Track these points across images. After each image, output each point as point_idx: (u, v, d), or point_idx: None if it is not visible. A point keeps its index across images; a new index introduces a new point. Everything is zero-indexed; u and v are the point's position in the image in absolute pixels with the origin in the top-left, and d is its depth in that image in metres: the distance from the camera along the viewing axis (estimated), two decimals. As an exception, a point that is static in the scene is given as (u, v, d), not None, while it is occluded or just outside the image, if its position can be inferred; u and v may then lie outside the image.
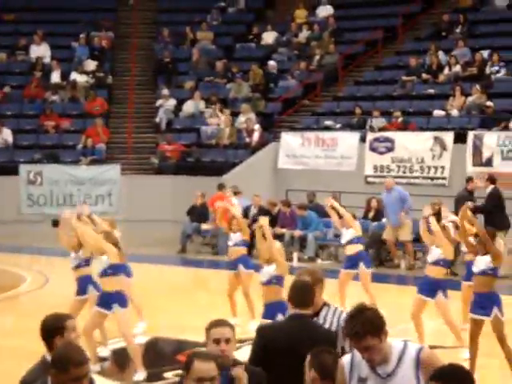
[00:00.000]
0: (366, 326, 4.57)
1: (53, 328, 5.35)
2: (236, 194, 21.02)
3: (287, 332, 5.73)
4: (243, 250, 13.46)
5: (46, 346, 5.34)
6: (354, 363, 4.80)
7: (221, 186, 21.32)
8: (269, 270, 10.39)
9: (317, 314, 6.06)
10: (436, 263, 11.35)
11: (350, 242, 13.97)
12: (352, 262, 13.86)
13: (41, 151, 25.57)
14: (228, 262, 13.78)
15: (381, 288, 15.29)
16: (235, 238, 13.50)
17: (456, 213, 17.68)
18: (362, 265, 13.73)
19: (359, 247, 13.96)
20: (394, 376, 4.69)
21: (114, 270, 10.43)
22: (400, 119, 22.68)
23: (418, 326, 11.42)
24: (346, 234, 14.03)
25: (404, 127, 22.71)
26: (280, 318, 9.36)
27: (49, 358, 5.22)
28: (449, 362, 4.29)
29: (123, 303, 10.42)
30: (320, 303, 6.10)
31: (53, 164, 25.11)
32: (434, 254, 11.39)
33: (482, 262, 10.19)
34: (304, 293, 5.85)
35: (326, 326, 6.02)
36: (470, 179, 18.66)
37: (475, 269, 10.30)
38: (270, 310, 10.05)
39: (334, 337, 5.91)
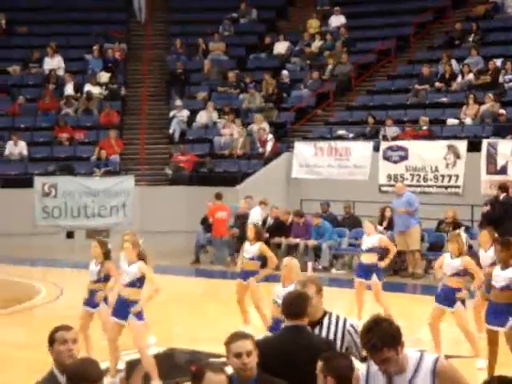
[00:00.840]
0: (383, 338, 4.55)
1: (48, 339, 5.44)
2: (261, 204, 21.16)
3: (281, 345, 5.66)
4: (257, 265, 13.29)
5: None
6: (370, 374, 4.78)
7: (219, 196, 21.39)
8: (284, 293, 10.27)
9: (318, 322, 6.01)
10: (455, 274, 11.30)
11: (369, 250, 13.97)
12: (365, 272, 13.86)
13: (55, 163, 25.64)
14: (240, 271, 13.65)
15: (395, 297, 15.24)
16: (252, 251, 13.30)
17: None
18: (374, 276, 13.73)
19: (375, 258, 13.95)
20: (410, 387, 4.68)
21: (141, 283, 10.52)
22: (425, 127, 22.58)
23: (436, 336, 11.37)
24: (367, 241, 14.04)
25: (417, 135, 22.69)
26: None
27: (55, 370, 5.27)
28: (497, 375, 4.28)
29: (140, 315, 10.44)
30: (321, 312, 6.06)
31: (67, 176, 25.17)
32: (454, 265, 11.33)
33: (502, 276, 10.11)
34: (299, 303, 5.78)
35: (331, 334, 5.97)
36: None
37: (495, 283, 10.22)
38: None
39: (333, 346, 5.85)
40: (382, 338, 4.55)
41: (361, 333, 4.73)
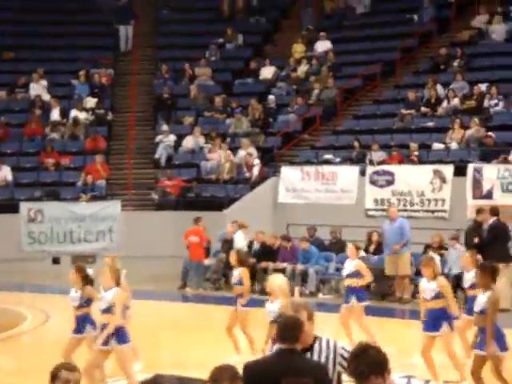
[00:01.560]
0: (370, 365, 4.54)
1: (51, 374, 5.42)
2: (241, 227, 21.15)
3: (274, 369, 5.64)
4: (241, 289, 13.32)
5: None
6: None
7: (197, 220, 21.41)
8: (273, 308, 10.33)
9: (310, 347, 6.01)
10: (434, 297, 11.32)
11: (350, 275, 13.99)
12: (348, 296, 13.94)
13: (41, 189, 25.59)
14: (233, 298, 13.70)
15: (383, 322, 15.22)
16: (235, 276, 13.46)
17: (466, 244, 17.73)
18: (353, 298, 13.78)
19: (356, 281, 13.98)
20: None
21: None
22: (416, 152, 22.65)
23: (430, 365, 11.30)
24: (348, 266, 14.09)
25: (403, 160, 22.78)
26: None
27: None
28: None
29: (122, 339, 10.40)
30: (312, 337, 6.07)
31: (53, 201, 25.11)
32: (431, 288, 11.35)
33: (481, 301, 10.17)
34: (293, 328, 5.79)
35: (322, 359, 5.97)
36: (480, 211, 18.60)
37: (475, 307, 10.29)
38: None
39: (325, 370, 5.84)
40: (369, 365, 4.54)
41: (348, 360, 4.73)
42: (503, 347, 10.03)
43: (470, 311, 11.79)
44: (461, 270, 17.45)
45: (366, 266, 14.51)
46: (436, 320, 11.23)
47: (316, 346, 6.01)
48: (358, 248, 14.73)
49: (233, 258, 13.48)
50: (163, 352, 14.30)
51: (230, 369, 5.21)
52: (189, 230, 21.51)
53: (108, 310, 10.51)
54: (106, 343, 10.38)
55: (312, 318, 6.04)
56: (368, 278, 14.24)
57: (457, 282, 16.83)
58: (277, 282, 10.45)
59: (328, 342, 6.08)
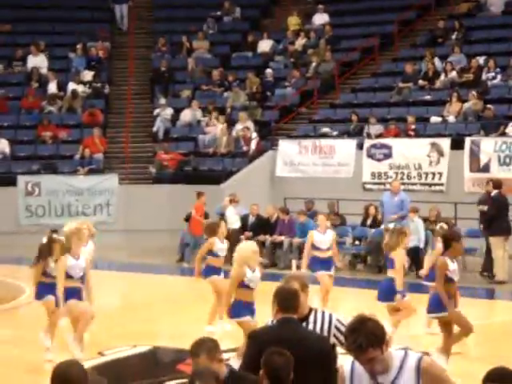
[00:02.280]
0: (368, 338, 4.55)
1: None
2: (232, 201, 21.06)
3: (280, 336, 5.69)
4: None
5: None
6: (355, 373, 4.80)
7: (200, 194, 21.34)
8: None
9: (305, 318, 6.05)
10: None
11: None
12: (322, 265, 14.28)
13: (38, 162, 25.58)
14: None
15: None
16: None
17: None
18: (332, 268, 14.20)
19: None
20: (396, 385, 4.70)
21: None
22: (413, 126, 22.64)
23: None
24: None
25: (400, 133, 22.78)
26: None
27: None
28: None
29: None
30: (307, 308, 6.10)
31: (51, 174, 25.12)
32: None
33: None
34: (291, 298, 5.85)
35: (317, 330, 6.01)
36: (488, 182, 18.61)
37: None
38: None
39: (327, 341, 5.90)
40: (367, 337, 4.56)
41: (345, 333, 4.75)
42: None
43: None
44: (418, 242, 17.82)
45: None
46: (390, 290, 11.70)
47: (311, 317, 6.05)
48: (328, 218, 15.19)
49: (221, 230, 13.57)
50: (161, 325, 14.36)
51: (208, 342, 5.26)
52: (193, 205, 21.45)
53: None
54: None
55: (305, 289, 6.07)
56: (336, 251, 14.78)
57: (413, 254, 17.15)
58: (243, 248, 10.69)
59: (323, 313, 6.11)
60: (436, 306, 10.57)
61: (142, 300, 16.29)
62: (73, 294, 11.03)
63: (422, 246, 18.48)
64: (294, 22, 29.77)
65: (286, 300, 5.85)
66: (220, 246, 13.41)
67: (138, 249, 22.84)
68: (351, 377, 4.80)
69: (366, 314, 4.81)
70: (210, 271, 13.38)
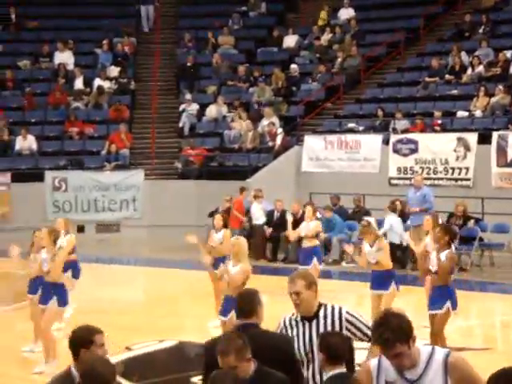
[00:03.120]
0: (395, 333, 4.53)
1: (81, 340, 5.30)
2: (256, 197, 21.05)
3: None
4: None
5: (73, 356, 5.33)
6: (381, 367, 4.78)
7: (242, 189, 21.35)
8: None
9: (315, 315, 6.00)
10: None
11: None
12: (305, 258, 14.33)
13: (65, 157, 25.72)
14: None
15: (416, 291, 15.21)
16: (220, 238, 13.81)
17: None
18: (315, 260, 14.10)
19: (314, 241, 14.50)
20: (422, 381, 4.67)
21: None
22: (440, 121, 22.54)
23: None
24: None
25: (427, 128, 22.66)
26: None
27: (73, 369, 5.25)
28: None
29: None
30: (315, 306, 6.05)
31: (77, 170, 25.26)
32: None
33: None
34: (249, 303, 5.78)
35: (328, 326, 5.95)
36: None
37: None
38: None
39: (290, 341, 5.80)
40: (394, 332, 4.53)
41: (372, 328, 4.72)
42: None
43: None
44: (400, 239, 17.86)
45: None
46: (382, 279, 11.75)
47: (321, 313, 6.00)
48: (314, 210, 15.21)
49: (217, 221, 13.73)
50: (187, 320, 14.41)
51: (238, 340, 5.16)
52: (236, 200, 21.45)
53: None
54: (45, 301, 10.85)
55: (312, 287, 5.99)
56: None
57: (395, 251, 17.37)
58: (242, 243, 10.57)
59: (333, 308, 6.05)
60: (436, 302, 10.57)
61: (168, 295, 16.34)
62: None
63: (399, 241, 18.53)
64: (322, 16, 29.70)
65: (244, 306, 5.78)
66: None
67: (164, 244, 22.89)
68: (378, 372, 4.79)
69: (392, 309, 4.79)
70: None
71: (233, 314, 9.99)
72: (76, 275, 14.09)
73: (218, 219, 13.74)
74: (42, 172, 25.00)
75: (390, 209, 18.78)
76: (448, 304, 10.39)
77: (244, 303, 5.81)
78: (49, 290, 11.03)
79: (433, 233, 11.70)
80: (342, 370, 5.50)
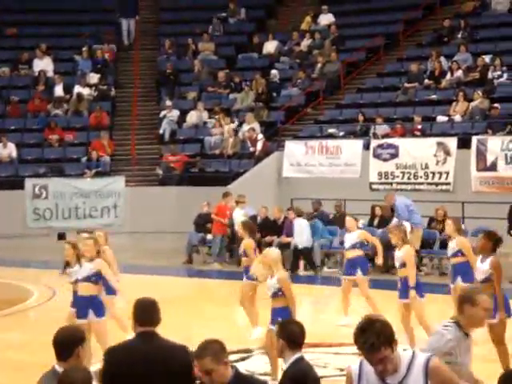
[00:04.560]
0: (380, 337, 4.57)
1: (75, 338, 5.36)
2: (238, 203, 21.02)
3: (138, 351, 5.61)
4: (246, 261, 13.01)
5: (61, 356, 5.33)
6: (363, 372, 4.80)
7: (224, 195, 21.32)
8: (272, 284, 10.18)
9: None
10: (402, 265, 11.56)
11: (352, 246, 14.00)
12: (351, 268, 13.90)
13: (45, 165, 25.64)
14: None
15: (386, 295, 15.26)
16: (241, 247, 13.36)
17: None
18: (359, 271, 13.74)
19: (359, 252, 14.00)
20: (404, 385, 4.70)
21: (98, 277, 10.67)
22: (419, 126, 22.63)
23: (410, 331, 11.52)
24: (349, 239, 14.10)
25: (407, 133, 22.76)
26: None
27: (59, 368, 5.26)
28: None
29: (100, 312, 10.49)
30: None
31: (58, 177, 25.18)
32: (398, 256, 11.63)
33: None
34: (148, 310, 5.82)
35: None
36: None
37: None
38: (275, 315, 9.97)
39: (188, 352, 5.79)
40: (379, 337, 4.57)
41: (355, 334, 4.73)
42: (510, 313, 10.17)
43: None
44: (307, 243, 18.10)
45: (368, 234, 14.66)
46: (404, 287, 11.48)
47: None
48: (356, 219, 14.78)
49: (240, 229, 13.41)
50: (170, 327, 14.33)
51: (214, 344, 5.20)
52: (218, 206, 21.38)
53: (87, 279, 10.59)
54: (84, 316, 10.44)
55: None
56: (377, 242, 14.34)
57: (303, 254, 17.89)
58: (273, 255, 10.33)
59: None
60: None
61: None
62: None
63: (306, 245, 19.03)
64: (307, 20, 29.72)
65: (144, 313, 5.79)
66: None
67: (145, 251, 22.84)
68: (359, 377, 4.81)
69: (373, 315, 4.81)
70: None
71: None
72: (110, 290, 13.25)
73: (240, 228, 13.37)
74: (22, 179, 24.92)
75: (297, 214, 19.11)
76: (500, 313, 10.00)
77: (143, 311, 5.82)
78: (86, 303, 10.63)
79: (455, 236, 12.10)
80: (301, 354, 5.85)
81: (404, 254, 11.55)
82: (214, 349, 5.16)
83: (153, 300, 5.97)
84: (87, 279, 10.67)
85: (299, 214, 19.57)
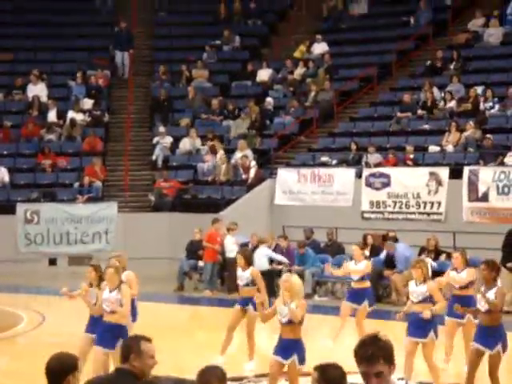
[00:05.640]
0: (381, 350, 4.56)
1: (68, 367, 5.36)
2: (229, 230, 21.04)
3: None
4: (253, 291, 12.72)
5: (53, 383, 5.33)
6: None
7: (215, 221, 21.32)
8: (285, 310, 10.03)
9: None
10: (422, 301, 11.24)
11: (361, 278, 14.12)
12: (357, 297, 13.96)
13: (38, 190, 25.61)
14: (238, 299, 13.45)
15: (379, 324, 15.25)
16: (245, 277, 13.14)
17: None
18: (365, 301, 13.85)
19: (367, 283, 14.12)
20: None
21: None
22: (412, 155, 22.73)
23: (410, 369, 11.32)
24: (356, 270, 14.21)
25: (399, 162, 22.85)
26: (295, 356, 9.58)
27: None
28: None
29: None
30: None
31: (50, 202, 25.14)
32: (420, 291, 11.29)
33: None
34: (125, 348, 5.83)
35: None
36: None
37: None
38: (286, 346, 9.92)
39: None
40: (380, 349, 4.56)
41: (357, 346, 4.66)
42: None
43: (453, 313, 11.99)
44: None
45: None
46: (421, 325, 11.05)
47: None
48: (362, 248, 14.87)
49: (240, 260, 13.14)
50: (161, 354, 14.28)
51: (218, 370, 5.19)
52: (208, 232, 21.36)
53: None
54: (113, 346, 10.30)
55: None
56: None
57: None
58: (298, 282, 10.12)
59: None
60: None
61: (140, 329, 16.21)
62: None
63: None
64: (301, 48, 29.87)
65: (122, 350, 5.82)
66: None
67: (137, 277, 22.76)
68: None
69: (379, 332, 4.77)
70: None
71: (295, 357, 9.78)
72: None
73: (240, 259, 13.11)
74: (13, 204, 24.87)
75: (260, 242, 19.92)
76: (499, 347, 10.03)
77: (122, 348, 5.84)
78: (114, 333, 10.55)
79: (465, 270, 12.22)
80: None
81: (429, 288, 11.20)
82: (217, 374, 5.18)
83: (135, 338, 5.94)
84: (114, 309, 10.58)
85: (261, 242, 20.27)
